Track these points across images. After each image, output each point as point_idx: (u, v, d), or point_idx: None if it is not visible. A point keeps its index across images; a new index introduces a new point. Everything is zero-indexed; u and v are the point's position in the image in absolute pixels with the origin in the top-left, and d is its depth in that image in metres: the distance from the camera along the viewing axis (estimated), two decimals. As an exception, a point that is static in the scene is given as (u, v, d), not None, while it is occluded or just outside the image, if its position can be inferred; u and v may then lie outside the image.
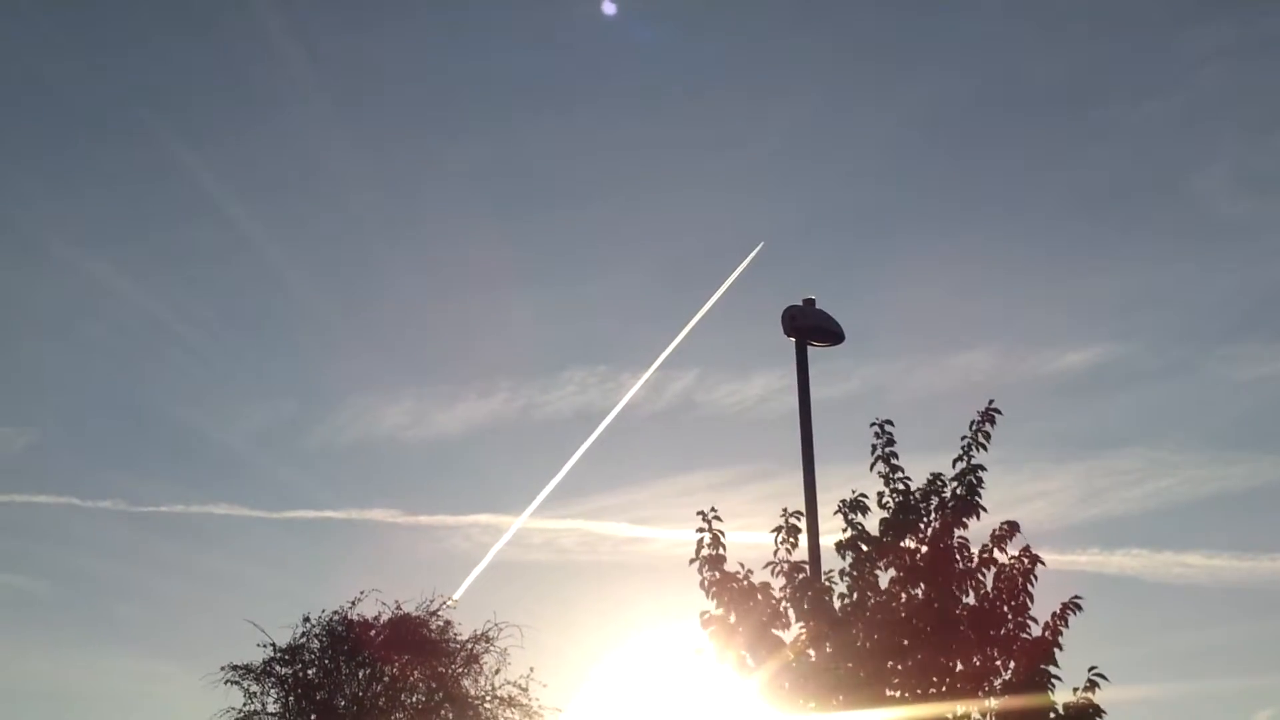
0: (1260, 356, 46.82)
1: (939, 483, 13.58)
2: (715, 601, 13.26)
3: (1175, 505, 45.69)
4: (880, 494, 13.61)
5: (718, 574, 13.33)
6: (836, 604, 13.23)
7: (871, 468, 13.73)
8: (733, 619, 13.17)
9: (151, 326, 49.77)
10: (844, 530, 13.55)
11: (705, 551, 13.43)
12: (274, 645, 25.47)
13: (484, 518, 40.76)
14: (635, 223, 51.85)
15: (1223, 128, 49.73)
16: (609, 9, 43.53)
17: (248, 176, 52.00)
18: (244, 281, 50.74)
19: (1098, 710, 12.61)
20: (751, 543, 13.83)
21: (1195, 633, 43.64)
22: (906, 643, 12.88)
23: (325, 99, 49.28)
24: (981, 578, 13.27)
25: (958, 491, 13.51)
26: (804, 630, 13.02)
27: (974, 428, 13.70)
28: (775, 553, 13.44)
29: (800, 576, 13.24)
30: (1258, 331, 49.08)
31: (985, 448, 13.67)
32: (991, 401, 13.76)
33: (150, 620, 45.47)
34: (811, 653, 12.93)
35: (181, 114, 51.16)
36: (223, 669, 25.22)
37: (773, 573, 13.33)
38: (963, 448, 13.66)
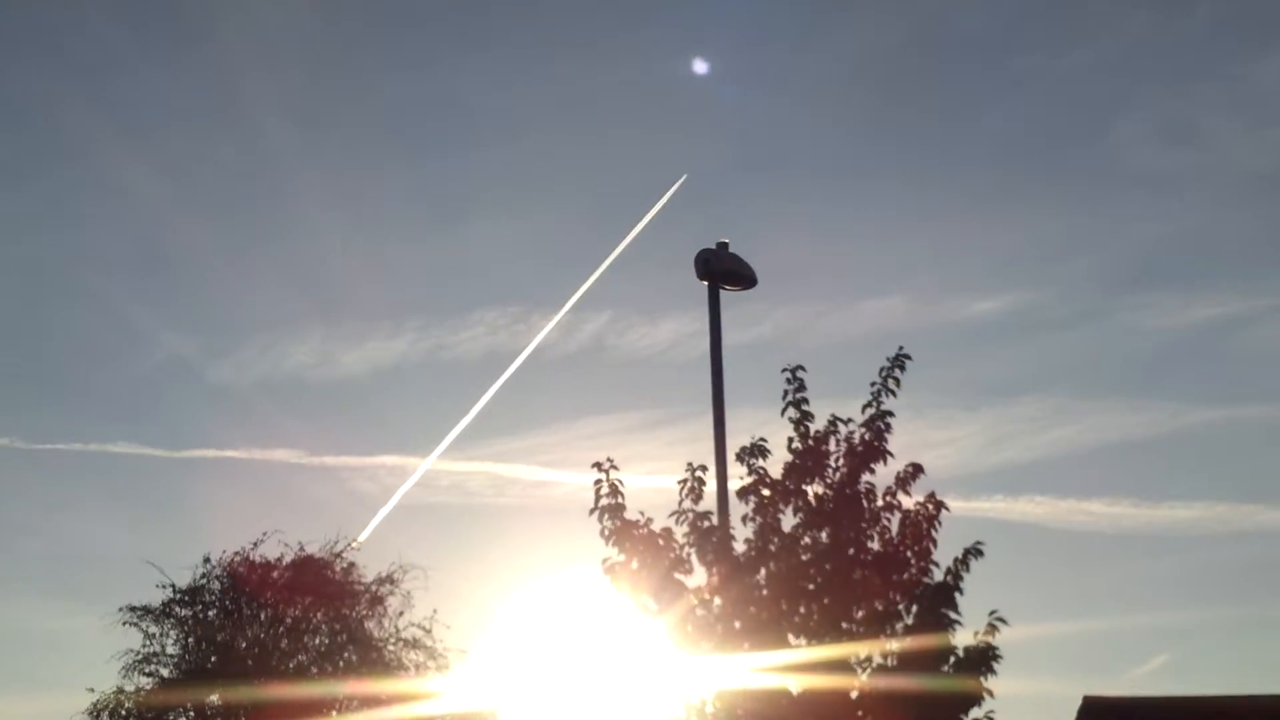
0: (1169, 306, 47.70)
1: (837, 424, 13.59)
2: (617, 549, 13.22)
3: (1079, 453, 46.58)
4: (789, 439, 13.60)
5: (618, 522, 13.26)
6: (740, 549, 13.23)
7: (783, 413, 13.69)
8: (635, 565, 13.14)
9: (51, 262, 48.64)
10: (745, 476, 13.54)
11: (604, 501, 13.33)
12: (174, 586, 25.18)
13: (390, 459, 40.50)
14: (549, 164, 51.42)
15: (1143, 78, 50.32)
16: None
17: (150, 110, 50.77)
18: (145, 216, 49.65)
19: (995, 653, 12.76)
20: (661, 487, 13.79)
21: (1096, 578, 44.61)
22: (810, 587, 12.91)
23: (233, 28, 48.13)
24: (886, 522, 13.33)
25: (865, 436, 13.54)
26: (708, 577, 13.02)
27: (884, 373, 13.71)
28: (680, 503, 13.40)
29: (705, 524, 13.21)
30: (1169, 282, 49.96)
31: (895, 394, 13.68)
32: (901, 348, 13.77)
33: (48, 559, 44.72)
34: (715, 599, 12.93)
35: (68, 45, 49.70)
36: (121, 610, 24.89)
37: (677, 521, 13.29)
38: (872, 393, 13.66)
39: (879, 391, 13.68)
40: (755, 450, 13.55)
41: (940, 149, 50.86)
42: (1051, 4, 49.72)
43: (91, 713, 24.25)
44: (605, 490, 13.36)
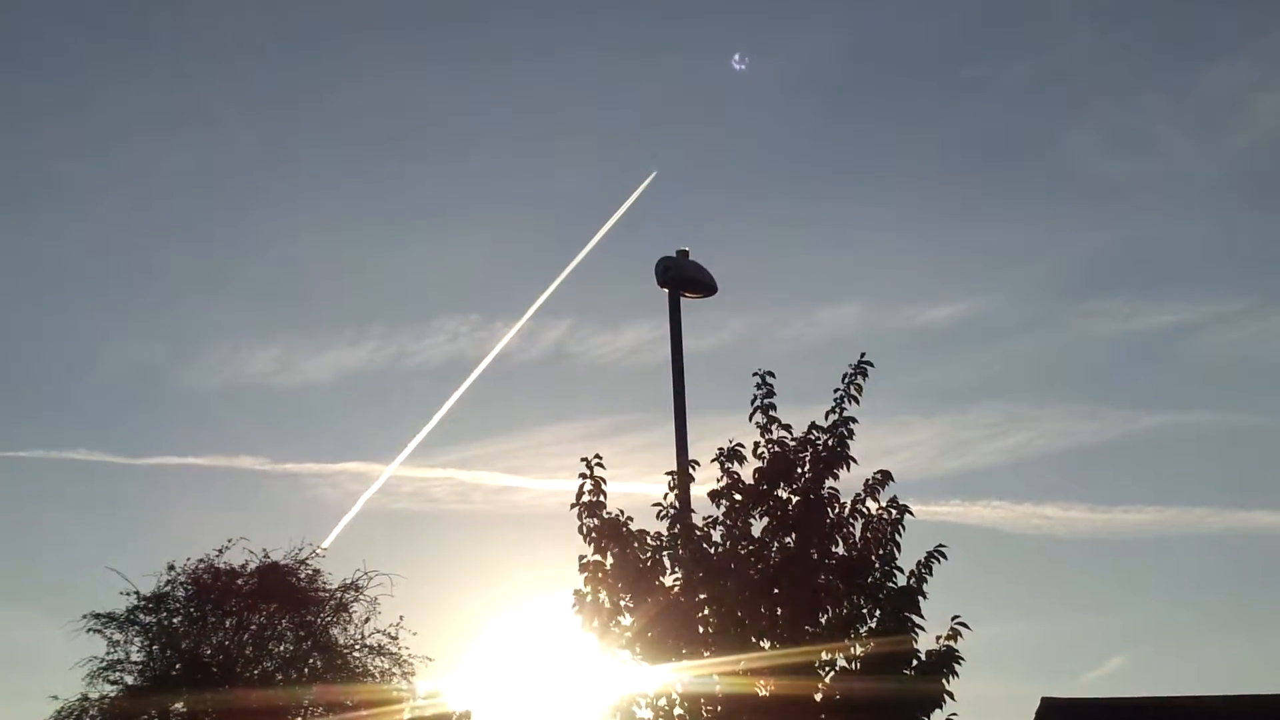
0: (1120, 313, 48.23)
1: (815, 432, 13.77)
2: (593, 547, 13.40)
3: (1034, 458, 47.05)
4: (756, 444, 13.78)
5: (597, 520, 13.45)
6: (712, 551, 13.38)
7: (750, 417, 13.90)
8: (609, 563, 13.32)
9: (9, 268, 48.26)
10: (719, 479, 13.71)
11: (586, 498, 13.59)
12: (137, 593, 25.05)
13: (353, 466, 40.42)
14: (508, 171, 51.47)
15: (1093, 87, 50.86)
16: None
17: (109, 116, 50.44)
18: (107, 221, 49.32)
19: (958, 656, 12.93)
20: (622, 491, 14.02)
21: (1052, 582, 45.08)
22: (777, 591, 13.07)
23: (192, 35, 47.91)
24: (850, 528, 13.49)
25: (829, 443, 13.70)
26: (678, 578, 13.17)
27: (846, 380, 13.90)
28: (665, 497, 13.62)
29: (680, 525, 13.40)
30: (1120, 289, 50.53)
31: (857, 400, 13.89)
32: (864, 355, 13.99)
33: (10, 567, 44.36)
34: (684, 599, 13.06)
35: (25, 52, 49.34)
36: (85, 617, 24.76)
37: (658, 516, 13.53)
38: (835, 400, 13.86)
39: (842, 398, 13.86)
40: (732, 454, 13.75)
41: (895, 158, 51.35)
42: (1000, 15, 50.30)
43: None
44: (588, 487, 13.60)
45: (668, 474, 13.82)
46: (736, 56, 43.28)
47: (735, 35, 50.05)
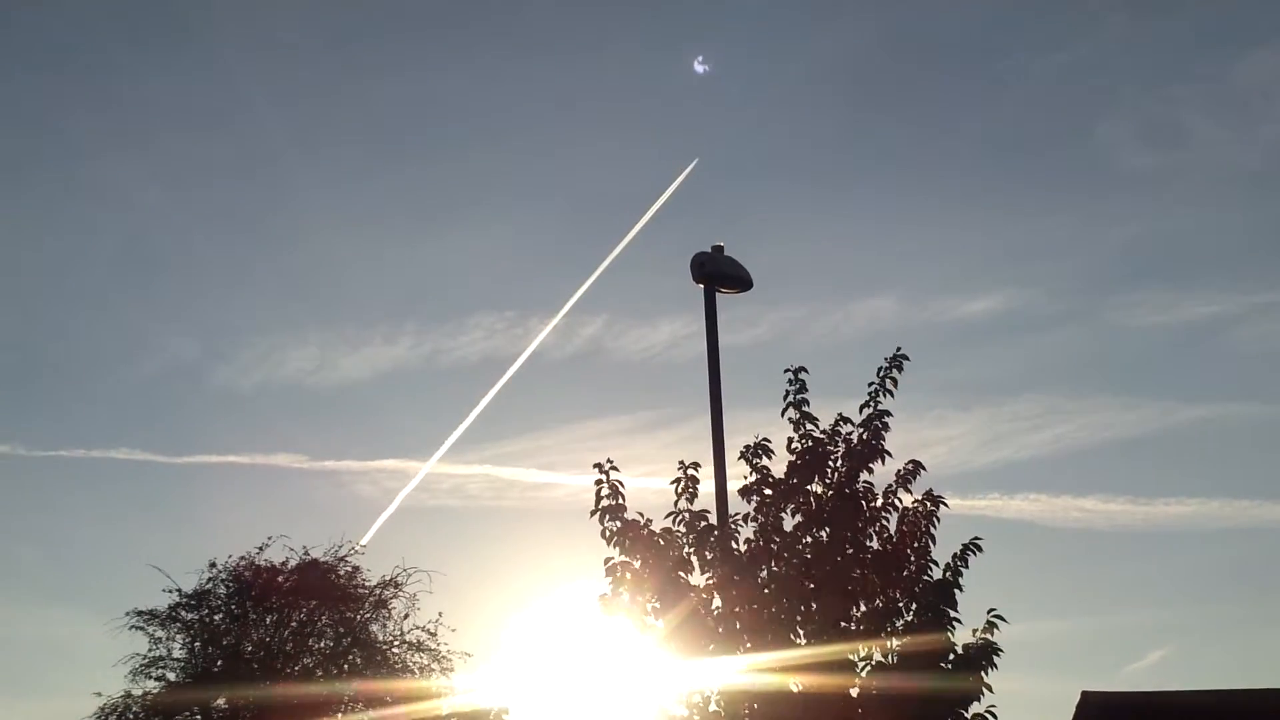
0: (1156, 305, 47.91)
1: (844, 423, 13.74)
2: (619, 549, 13.37)
3: (1073, 451, 46.80)
4: (789, 439, 13.76)
5: (619, 523, 13.42)
6: (741, 549, 13.36)
7: (783, 413, 13.87)
8: (638, 564, 13.29)
9: (50, 268, 48.72)
10: (748, 475, 13.69)
11: (604, 502, 13.51)
12: (179, 591, 25.29)
13: (391, 463, 40.65)
14: (544, 168, 51.64)
15: (1126, 80, 50.53)
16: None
17: (149, 115, 50.85)
18: (144, 221, 49.75)
19: (995, 649, 12.89)
20: (660, 488, 13.94)
21: (1092, 575, 44.81)
22: (811, 586, 13.05)
23: (231, 34, 48.22)
24: (885, 521, 13.47)
25: (863, 436, 13.68)
26: (710, 577, 13.15)
27: (881, 374, 13.87)
28: (675, 503, 13.56)
29: (702, 524, 13.34)
30: (1155, 280, 50.23)
31: (892, 394, 13.85)
32: (899, 348, 13.95)
33: (52, 565, 44.88)
34: (717, 599, 13.06)
35: (67, 50, 49.75)
36: (128, 614, 25.02)
37: (674, 522, 13.44)
38: (870, 393, 13.83)
39: (877, 392, 13.83)
40: (759, 449, 13.73)
41: (929, 151, 51.21)
42: (1032, 7, 49.97)
43: (99, 716, 24.37)
44: (605, 491, 13.53)
45: (673, 481, 13.63)
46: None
47: (771, 29, 50.00)
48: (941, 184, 50.82)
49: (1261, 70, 47.79)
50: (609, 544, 13.43)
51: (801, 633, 12.87)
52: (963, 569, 13.21)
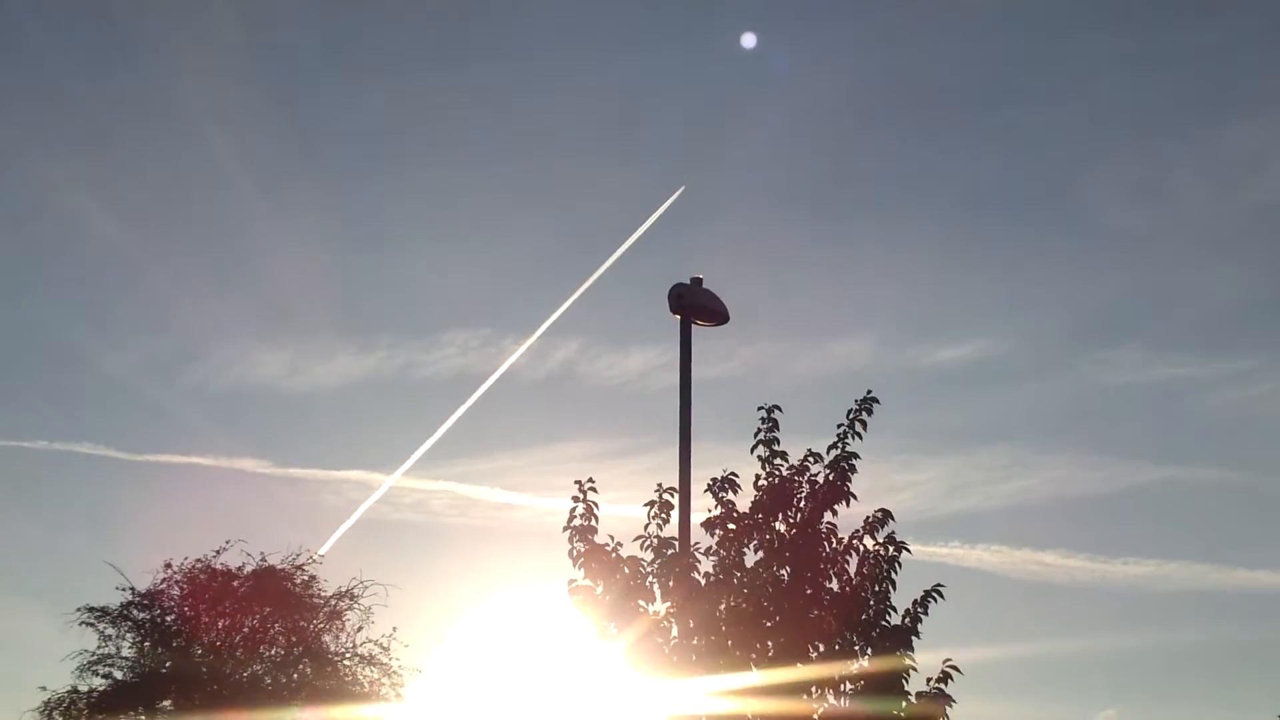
0: (1133, 364, 48.19)
1: (812, 458, 13.80)
2: (583, 571, 13.36)
3: (1037, 504, 46.89)
4: (757, 476, 13.79)
5: (586, 545, 13.43)
6: (702, 580, 13.37)
7: (753, 450, 13.93)
8: (599, 590, 13.29)
9: (24, 261, 48.42)
10: (713, 509, 13.71)
11: (578, 521, 13.55)
12: (133, 589, 25.08)
13: (356, 474, 40.41)
14: (526, 188, 51.58)
15: (1116, 136, 50.97)
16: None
17: (125, 111, 50.64)
18: (120, 220, 49.45)
19: (948, 699, 12.93)
20: (623, 515, 13.98)
21: (1046, 629, 44.89)
22: (769, 624, 13.06)
23: (193, 45, 48.06)
24: (846, 564, 13.49)
25: (829, 477, 13.72)
26: (669, 605, 13.14)
27: (851, 416, 13.93)
28: (646, 527, 13.58)
29: (669, 552, 13.35)
30: (1134, 339, 50.53)
31: (861, 436, 13.92)
32: (870, 391, 14.02)
33: (4, 556, 44.39)
34: (674, 626, 13.06)
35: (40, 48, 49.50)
36: (79, 610, 24.79)
37: (642, 546, 13.47)
38: (838, 434, 13.89)
39: (845, 433, 13.89)
40: (725, 484, 13.77)
41: (914, 196, 51.48)
42: (1029, 60, 50.40)
43: (43, 711, 24.15)
44: (580, 510, 13.58)
45: (647, 505, 13.69)
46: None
47: (758, 65, 50.24)
48: (925, 230, 51.06)
49: (1250, 139, 48.35)
50: (574, 564, 13.47)
51: (757, 666, 12.87)
52: (922, 615, 13.25)
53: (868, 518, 13.68)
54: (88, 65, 49.05)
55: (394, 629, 25.91)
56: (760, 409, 14.05)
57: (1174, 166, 49.69)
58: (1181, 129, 51.18)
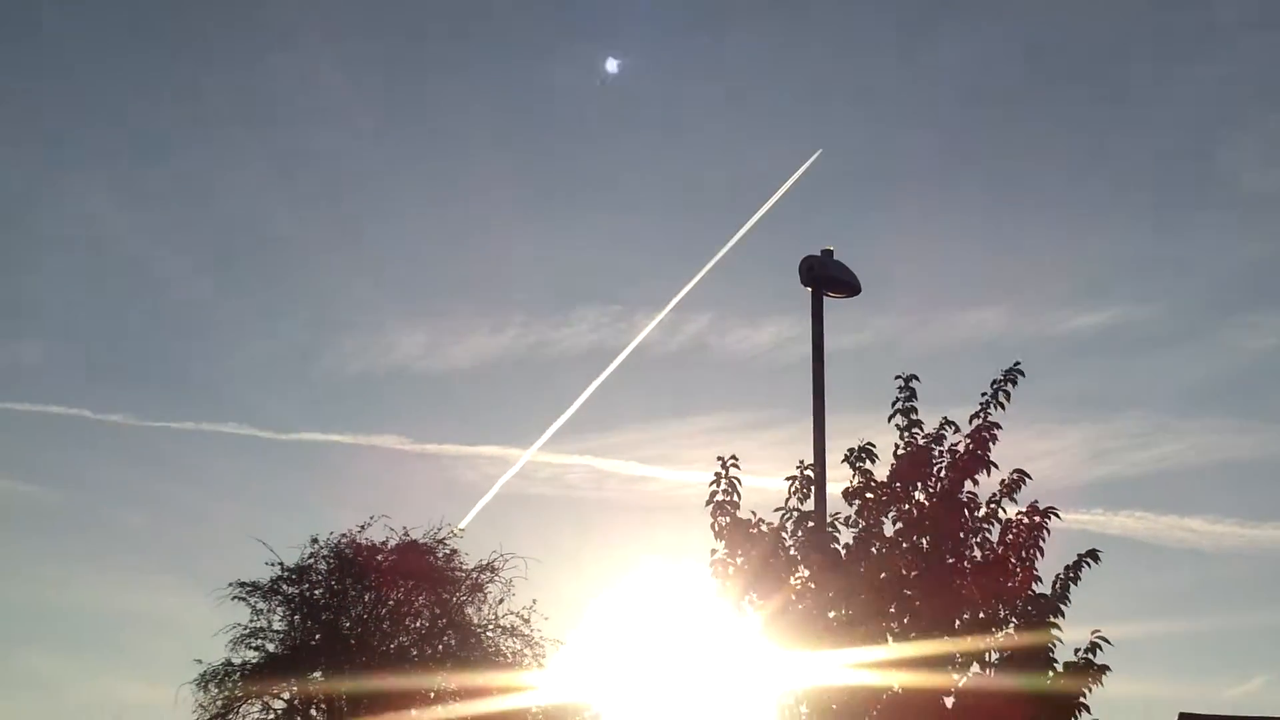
0: (1274, 327, 46.68)
1: (949, 426, 13.72)
2: (725, 544, 13.47)
3: (1181, 470, 45.76)
4: (895, 445, 13.74)
5: (729, 519, 13.53)
6: (841, 551, 13.37)
7: (890, 419, 13.90)
8: (740, 561, 13.37)
9: (164, 248, 49.74)
10: (852, 479, 13.70)
11: (720, 496, 13.65)
12: (282, 564, 25.76)
13: (492, 449, 40.93)
14: (653, 160, 51.52)
15: (1256, 98, 49.22)
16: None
17: (252, 101, 51.59)
18: (262, 205, 50.55)
19: (1100, 670, 12.73)
20: (756, 486, 14.05)
21: (1195, 596, 43.90)
22: (909, 593, 13.01)
23: (323, 21, 48.73)
24: (988, 532, 13.37)
25: (969, 446, 13.60)
26: (808, 574, 13.16)
27: (995, 386, 13.81)
28: (787, 500, 13.63)
29: (810, 524, 13.38)
30: (1274, 303, 48.93)
31: (1004, 406, 13.79)
32: (1017, 362, 13.92)
33: (158, 534, 45.88)
34: (814, 593, 13.07)
35: (178, 40, 50.61)
36: (231, 585, 25.54)
37: (782, 519, 13.51)
38: (981, 403, 13.77)
39: (988, 402, 13.77)
40: (863, 453, 13.74)
41: (1048, 163, 50.16)
42: (1165, 21, 48.84)
43: (199, 683, 24.97)
44: (723, 486, 13.68)
45: (788, 479, 13.74)
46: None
47: (892, 32, 49.46)
48: (1059, 197, 49.87)
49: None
50: (716, 537, 13.58)
51: (899, 638, 12.82)
52: (1072, 583, 13.07)
53: (1004, 480, 13.55)
54: (232, 46, 50.11)
55: (534, 601, 26.30)
56: (898, 378, 13.99)
57: (1314, 126, 47.86)
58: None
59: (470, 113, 51.13)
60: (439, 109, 51.62)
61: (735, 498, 13.67)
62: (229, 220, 50.79)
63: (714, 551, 13.55)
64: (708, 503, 13.69)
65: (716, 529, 13.58)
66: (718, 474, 13.74)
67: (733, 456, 13.81)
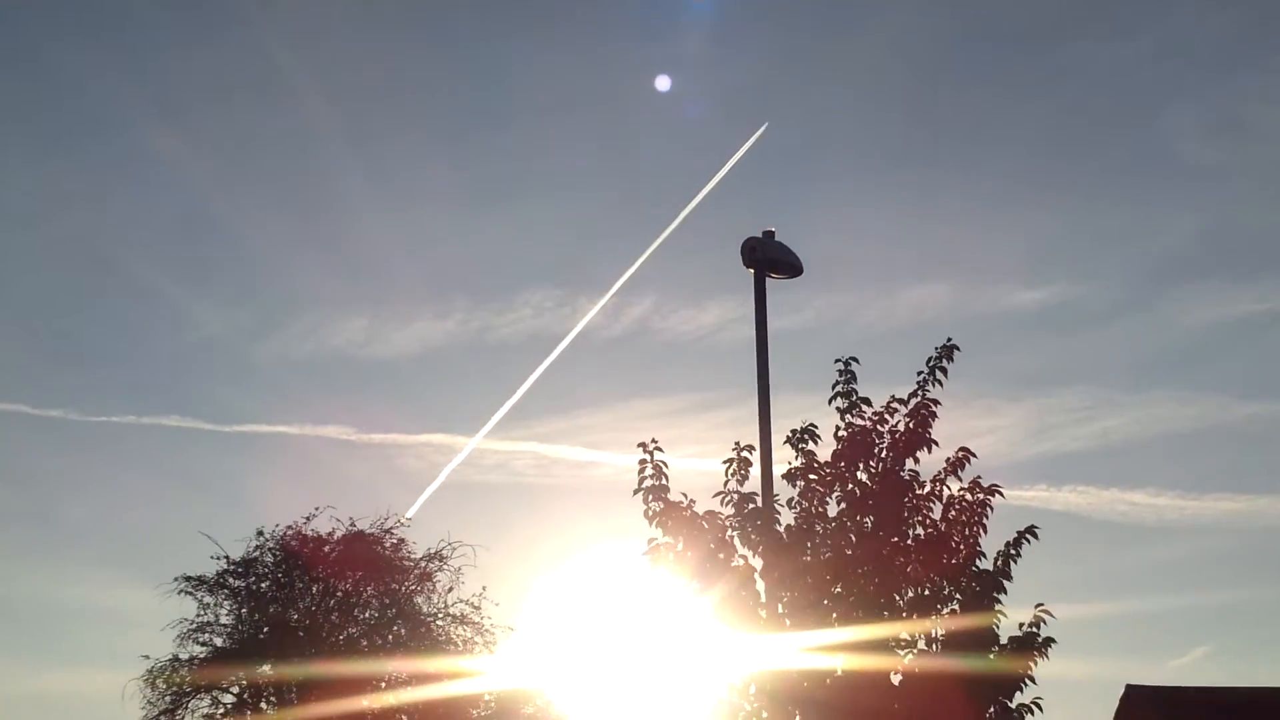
0: (1214, 300, 47.35)
1: (896, 403, 13.75)
2: (661, 530, 13.43)
3: (1123, 444, 46.41)
4: (837, 427, 13.76)
5: (661, 504, 13.48)
6: (784, 533, 13.39)
7: (830, 401, 13.89)
8: (680, 546, 13.34)
9: (100, 238, 49.22)
10: (794, 460, 13.72)
11: (648, 482, 13.56)
12: (227, 558, 25.59)
13: (437, 438, 40.90)
14: (593, 146, 51.52)
15: (1192, 70, 49.81)
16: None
17: (195, 87, 51.13)
18: (194, 193, 50.09)
19: (1043, 640, 12.84)
20: (705, 469, 13.99)
21: (1138, 570, 44.51)
22: (854, 572, 13.05)
23: (275, 7, 48.36)
24: (930, 510, 13.44)
25: (909, 425, 13.66)
26: (752, 557, 13.17)
27: (931, 363, 13.84)
28: (725, 483, 13.59)
29: (750, 506, 13.38)
30: (1214, 275, 49.66)
31: (941, 383, 13.83)
32: (950, 339, 13.91)
33: (101, 529, 45.53)
34: (758, 580, 13.10)
35: (111, 23, 50.00)
36: (176, 579, 25.34)
37: (722, 502, 13.48)
38: (918, 382, 13.81)
39: (925, 380, 13.81)
40: (806, 434, 13.75)
41: (985, 137, 50.69)
42: (1098, -5, 49.27)
43: (146, 679, 24.74)
44: (649, 471, 13.58)
45: (725, 462, 13.65)
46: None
47: (828, 10, 49.64)
48: (999, 172, 50.44)
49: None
50: (650, 524, 13.50)
51: (844, 618, 12.86)
52: (1014, 559, 13.18)
53: (949, 459, 13.61)
54: (181, 28, 49.45)
55: (484, 588, 26.31)
56: (837, 361, 14.00)
57: (1252, 100, 48.51)
58: (1258, 58, 49.90)
59: (412, 99, 50.91)
60: (383, 96, 51.33)
61: (664, 481, 13.56)
62: (163, 209, 50.28)
63: (651, 540, 13.47)
64: (636, 490, 13.57)
65: (650, 515, 13.48)
66: (642, 460, 13.60)
67: (654, 440, 13.65)
